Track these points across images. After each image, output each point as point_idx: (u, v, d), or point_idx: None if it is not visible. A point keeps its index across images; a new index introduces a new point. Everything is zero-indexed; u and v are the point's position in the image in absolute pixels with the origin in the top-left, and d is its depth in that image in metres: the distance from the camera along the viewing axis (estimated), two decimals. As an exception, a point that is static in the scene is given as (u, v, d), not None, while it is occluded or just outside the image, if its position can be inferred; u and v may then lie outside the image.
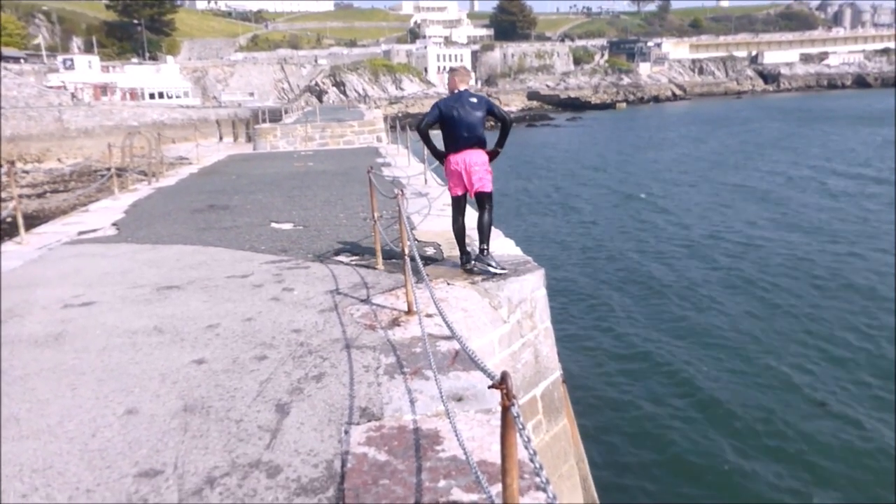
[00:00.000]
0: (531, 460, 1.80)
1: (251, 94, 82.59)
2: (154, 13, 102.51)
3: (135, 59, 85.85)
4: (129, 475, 3.27)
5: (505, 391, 1.94)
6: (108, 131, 46.42)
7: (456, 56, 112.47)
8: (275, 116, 40.13)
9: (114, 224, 10.42)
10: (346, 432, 3.62)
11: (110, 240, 9.22)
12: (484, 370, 2.16)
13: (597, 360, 13.54)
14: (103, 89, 63.27)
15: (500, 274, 6.34)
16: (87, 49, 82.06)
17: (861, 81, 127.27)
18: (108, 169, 14.25)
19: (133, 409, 3.98)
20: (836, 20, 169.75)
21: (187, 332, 5.26)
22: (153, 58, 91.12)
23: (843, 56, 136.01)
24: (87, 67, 66.59)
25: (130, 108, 55.90)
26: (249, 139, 34.51)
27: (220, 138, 43.51)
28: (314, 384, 4.22)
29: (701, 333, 14.57)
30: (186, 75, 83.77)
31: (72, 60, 67.16)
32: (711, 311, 15.84)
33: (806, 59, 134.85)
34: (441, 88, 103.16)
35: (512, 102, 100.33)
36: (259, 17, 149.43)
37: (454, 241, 7.88)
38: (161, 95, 67.81)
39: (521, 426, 1.86)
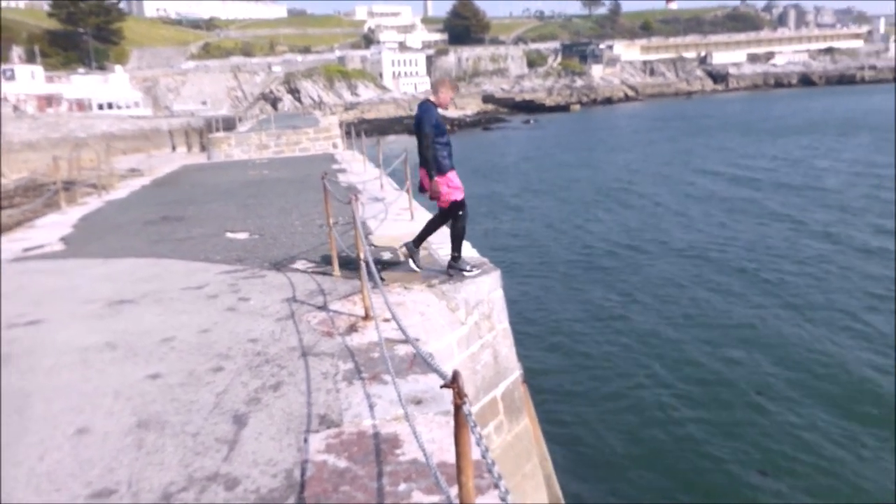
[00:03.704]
0: (483, 456, 1.82)
1: (204, 103, 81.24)
2: (100, 21, 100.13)
3: (81, 69, 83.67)
4: (80, 496, 3.19)
5: (456, 390, 1.96)
6: (55, 144, 45.09)
7: (411, 61, 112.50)
8: (229, 125, 39.60)
9: (62, 239, 10.14)
10: (306, 440, 3.60)
11: (58, 255, 8.98)
12: (437, 370, 2.17)
13: (556, 358, 13.68)
14: (48, 100, 61.50)
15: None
16: (30, 58, 79.68)
17: (806, 80, 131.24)
18: (55, 183, 13.88)
19: (84, 429, 3.88)
20: (781, 21, 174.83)
21: (141, 347, 5.15)
22: (101, 67, 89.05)
23: (789, 56, 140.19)
24: (29, 78, 64.61)
25: (78, 119, 54.42)
26: (203, 149, 34.02)
27: (174, 148, 42.78)
28: (272, 393, 4.18)
29: (657, 329, 14.83)
30: (136, 85, 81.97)
31: (12, 71, 64.98)
32: (668, 307, 16.15)
33: (753, 59, 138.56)
34: (397, 94, 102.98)
35: (468, 106, 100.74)
36: (210, 24, 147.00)
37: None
38: (110, 106, 66.13)
39: (472, 423, 1.87)
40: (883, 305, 15.28)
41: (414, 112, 7.11)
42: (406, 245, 6.79)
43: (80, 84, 69.48)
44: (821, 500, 8.93)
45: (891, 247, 19.69)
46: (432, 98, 6.59)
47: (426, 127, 6.34)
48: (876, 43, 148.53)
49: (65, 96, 64.44)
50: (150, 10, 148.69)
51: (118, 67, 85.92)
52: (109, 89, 70.34)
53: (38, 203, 16.97)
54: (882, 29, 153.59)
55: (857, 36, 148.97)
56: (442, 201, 6.55)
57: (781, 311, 15.31)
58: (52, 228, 11.22)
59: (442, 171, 6.44)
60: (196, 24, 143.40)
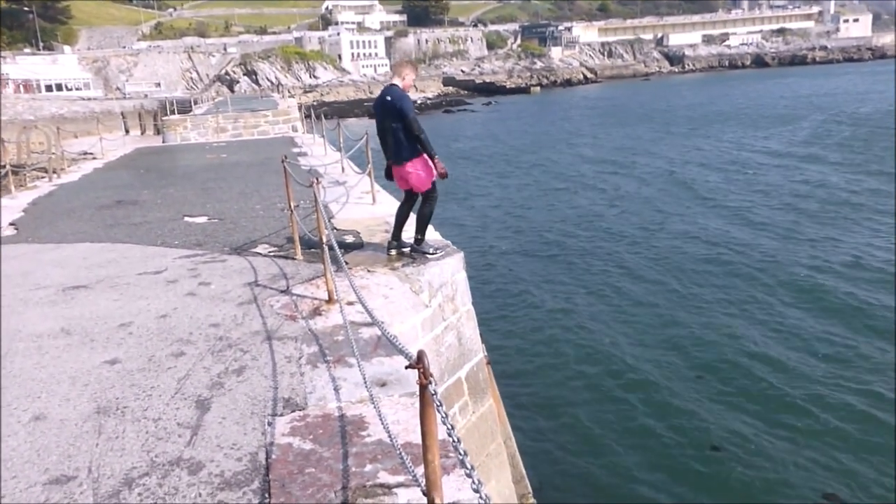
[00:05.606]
0: (449, 434, 1.84)
1: (158, 85, 79.12)
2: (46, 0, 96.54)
3: (27, 49, 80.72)
4: (38, 483, 3.13)
5: (422, 370, 1.97)
6: (2, 126, 43.55)
7: (370, 42, 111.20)
8: (184, 107, 38.68)
9: (11, 224, 9.84)
10: (270, 424, 3.58)
11: (8, 240, 8.71)
12: (402, 351, 2.18)
13: (520, 339, 13.82)
14: (-8, 81, 59.26)
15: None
16: (-28, 38, 76.61)
17: (759, 61, 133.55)
18: (3, 166, 13.42)
19: (41, 415, 3.80)
20: (735, 2, 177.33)
21: (98, 333, 5.05)
22: (48, 48, 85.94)
23: (743, 37, 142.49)
24: (-28, 58, 62.22)
25: (25, 101, 52.56)
26: (158, 132, 33.23)
27: (127, 131, 41.66)
28: (235, 378, 4.15)
29: (618, 309, 15.08)
30: (86, 66, 79.48)
31: (-46, 51, 62.53)
32: (627, 287, 16.42)
33: (708, 40, 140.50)
34: (356, 76, 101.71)
35: (428, 88, 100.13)
36: (162, 3, 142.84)
37: (374, 228, 7.91)
38: (59, 87, 64.02)
39: (437, 402, 1.89)
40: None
41: (374, 95, 6.94)
42: (410, 247, 6.59)
43: (27, 65, 67.09)
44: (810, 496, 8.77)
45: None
46: (398, 81, 6.36)
47: (409, 113, 6.14)
48: (826, 23, 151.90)
49: (10, 77, 62.12)
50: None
51: (66, 48, 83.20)
52: (58, 70, 68.08)
53: (-15, 188, 16.39)
54: (832, 9, 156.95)
55: (808, 16, 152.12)
56: (419, 185, 6.40)
57: (747, 296, 15.67)
58: (1, 213, 10.86)
59: (433, 154, 6.27)
60: (147, 4, 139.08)
